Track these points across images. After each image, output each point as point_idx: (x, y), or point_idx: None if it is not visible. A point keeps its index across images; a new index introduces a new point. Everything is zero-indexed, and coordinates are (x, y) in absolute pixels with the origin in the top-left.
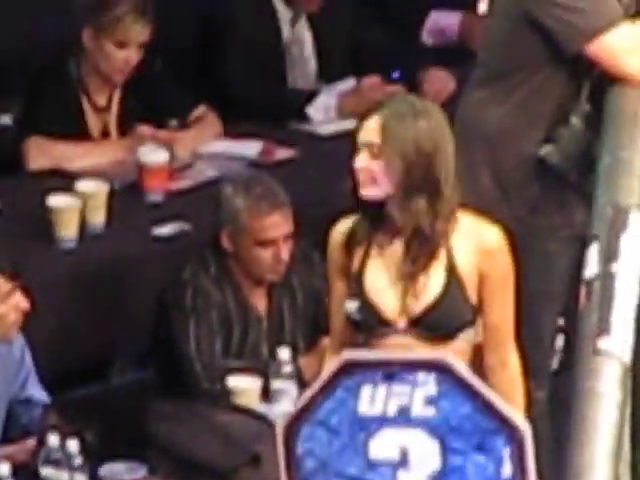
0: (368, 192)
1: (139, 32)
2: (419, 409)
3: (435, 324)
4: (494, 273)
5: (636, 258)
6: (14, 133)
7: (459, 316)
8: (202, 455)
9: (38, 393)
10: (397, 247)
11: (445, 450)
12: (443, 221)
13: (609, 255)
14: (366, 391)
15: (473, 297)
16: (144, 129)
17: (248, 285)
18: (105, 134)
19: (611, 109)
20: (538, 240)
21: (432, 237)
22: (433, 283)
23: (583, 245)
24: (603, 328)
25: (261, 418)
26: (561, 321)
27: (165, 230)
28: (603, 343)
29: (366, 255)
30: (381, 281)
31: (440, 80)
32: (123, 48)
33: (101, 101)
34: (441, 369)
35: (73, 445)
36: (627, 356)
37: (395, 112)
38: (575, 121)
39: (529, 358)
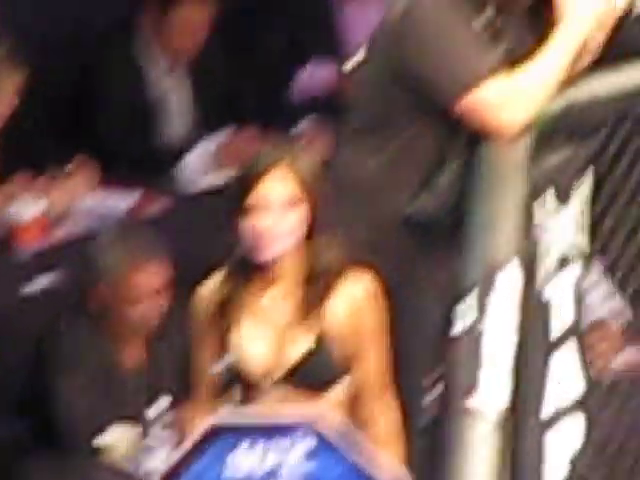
0: (273, 251)
1: (11, 81)
2: (291, 470)
3: (307, 378)
4: (364, 327)
5: (507, 314)
6: None
7: (330, 370)
8: None
9: None
10: (270, 301)
11: None
12: (340, 256)
13: (480, 309)
14: (230, 457)
15: (344, 349)
16: (17, 181)
17: (124, 337)
18: None
19: (484, 164)
20: (410, 293)
21: (333, 271)
22: (304, 339)
23: (455, 301)
24: (470, 388)
25: (128, 476)
26: (435, 373)
27: (37, 286)
28: (472, 403)
29: (236, 311)
30: (252, 337)
31: (319, 131)
32: None
33: None
34: (312, 432)
35: None
36: (493, 414)
37: (299, 159)
38: (447, 174)
39: (407, 410)
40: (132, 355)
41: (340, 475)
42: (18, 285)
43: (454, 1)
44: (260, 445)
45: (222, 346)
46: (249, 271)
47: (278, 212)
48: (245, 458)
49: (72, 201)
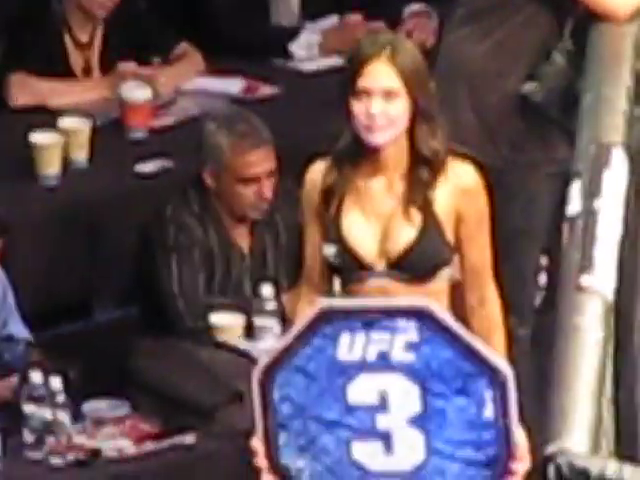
0: (385, 136)
1: None
2: (399, 355)
3: (413, 265)
4: (470, 213)
5: (618, 195)
6: None
7: (436, 256)
8: (184, 392)
9: (20, 330)
10: (376, 190)
11: (426, 394)
12: (443, 145)
13: (591, 192)
14: (344, 338)
15: (450, 236)
16: (127, 66)
17: (231, 222)
18: (87, 71)
19: (594, 47)
20: (520, 177)
21: (437, 160)
22: (410, 225)
23: (566, 182)
24: (585, 265)
25: (244, 355)
26: (544, 259)
27: (148, 167)
28: (585, 280)
29: (342, 199)
30: (359, 224)
31: (423, 18)
32: None
33: (83, 38)
34: (422, 316)
35: (56, 382)
36: (610, 293)
37: (398, 52)
38: (558, 58)
39: (512, 296)
40: (241, 239)
41: (448, 360)
42: (131, 164)
43: None
44: (370, 331)
45: (329, 232)
46: (356, 157)
47: (382, 101)
48: (357, 342)
49: (179, 87)
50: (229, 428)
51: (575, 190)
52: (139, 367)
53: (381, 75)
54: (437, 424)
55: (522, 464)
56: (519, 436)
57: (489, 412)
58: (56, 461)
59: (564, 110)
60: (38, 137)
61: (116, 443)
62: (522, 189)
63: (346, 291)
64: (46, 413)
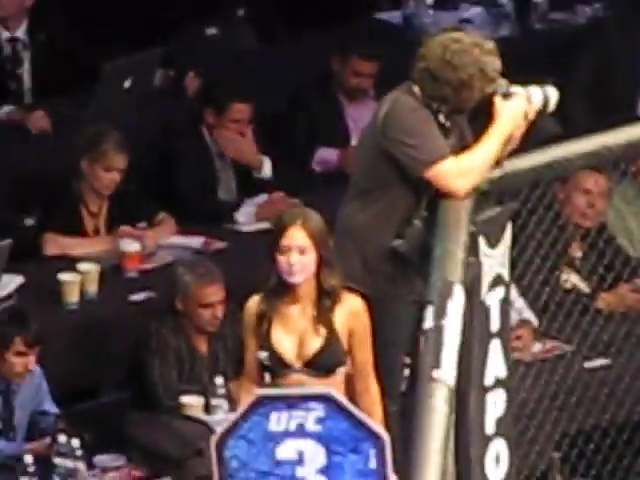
0: (298, 278)
1: (120, 161)
2: (311, 426)
3: (320, 364)
4: (359, 328)
5: (457, 317)
6: (35, 230)
7: (336, 358)
8: (163, 449)
9: (51, 407)
10: (294, 313)
11: (329, 453)
12: (339, 282)
13: (439, 314)
14: (274, 416)
15: (344, 345)
16: (124, 228)
17: (194, 334)
18: (97, 231)
19: (441, 215)
20: (391, 303)
21: (335, 293)
22: (318, 337)
23: (421, 307)
24: (436, 363)
25: (203, 424)
26: (407, 359)
27: (138, 297)
28: (436, 373)
29: (271, 320)
30: (282, 337)
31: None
32: (109, 172)
33: (94, 209)
34: (327, 399)
35: (76, 443)
36: (452, 382)
37: (308, 220)
38: (417, 223)
39: (386, 384)
40: (201, 346)
41: (345, 429)
42: (127, 294)
43: (419, 107)
44: (291, 410)
45: (262, 343)
46: (280, 292)
47: (297, 255)
48: (282, 418)
49: (160, 241)
50: (193, 474)
51: (428, 312)
52: (132, 432)
53: (296, 237)
54: (337, 473)
55: None
56: None
57: (373, 464)
58: None
59: (421, 258)
60: (63, 276)
61: None
62: (391, 310)
63: (274, 383)
64: (69, 464)
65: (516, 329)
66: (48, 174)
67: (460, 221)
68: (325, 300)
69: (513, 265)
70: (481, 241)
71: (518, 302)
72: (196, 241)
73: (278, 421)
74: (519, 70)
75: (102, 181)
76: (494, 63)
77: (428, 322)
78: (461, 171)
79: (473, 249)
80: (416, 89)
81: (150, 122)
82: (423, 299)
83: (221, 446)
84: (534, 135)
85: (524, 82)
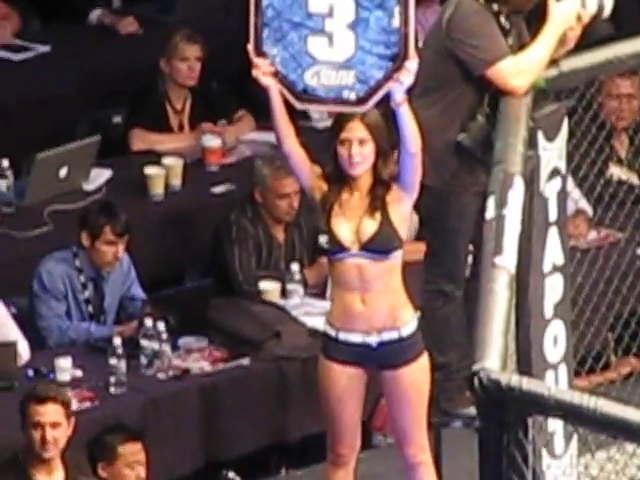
0: (359, 170)
1: (192, 50)
2: None
3: (376, 248)
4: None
5: (518, 206)
6: (123, 127)
7: (390, 243)
8: (243, 332)
9: (138, 293)
10: (351, 200)
11: (358, 7)
12: (392, 172)
13: (501, 204)
14: None
15: (400, 231)
16: (206, 125)
17: (272, 224)
18: (181, 127)
19: (502, 112)
20: (456, 194)
21: (389, 182)
22: (373, 222)
23: (484, 197)
24: (497, 250)
25: (281, 308)
26: (471, 247)
27: (219, 189)
28: (498, 260)
29: (331, 206)
30: (341, 222)
31: None
32: (184, 62)
33: (178, 106)
34: None
35: (161, 326)
36: (513, 268)
37: (366, 114)
38: (480, 118)
39: (451, 271)
40: (278, 234)
41: None
42: (209, 187)
43: (481, 9)
44: None
45: (322, 227)
46: (340, 181)
47: (357, 146)
48: None
49: (240, 137)
50: (271, 355)
51: (490, 202)
52: (214, 316)
53: (356, 129)
54: (363, 28)
55: (412, 63)
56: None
57: (396, 22)
58: (161, 376)
59: (485, 151)
60: (149, 170)
61: (199, 364)
62: (457, 201)
63: (332, 267)
64: (155, 346)
65: (573, 218)
66: (135, 74)
67: (520, 117)
68: (379, 189)
69: (569, 158)
70: (539, 135)
71: (574, 192)
72: (273, 136)
73: None
74: None
75: (181, 72)
76: None
77: (490, 211)
78: (518, 70)
79: (532, 143)
80: None
81: (232, 24)
82: (486, 190)
83: None
84: (588, 37)
85: None
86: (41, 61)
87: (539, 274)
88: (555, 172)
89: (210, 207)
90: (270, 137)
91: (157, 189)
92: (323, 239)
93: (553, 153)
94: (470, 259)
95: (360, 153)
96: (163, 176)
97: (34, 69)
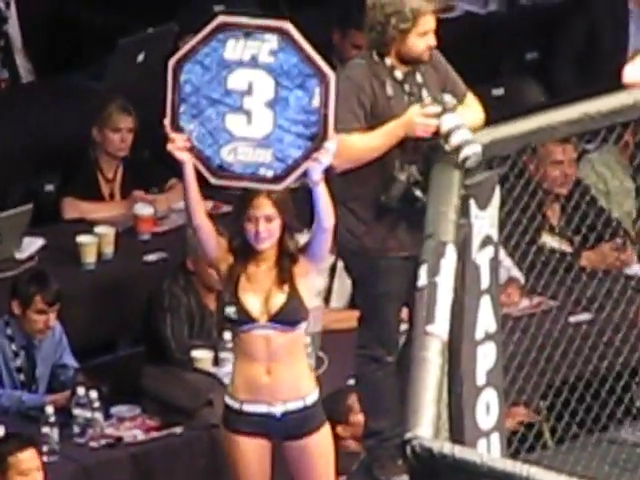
0: (266, 244)
1: (126, 121)
2: (264, 57)
3: (285, 318)
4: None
5: (450, 274)
6: (55, 195)
7: (299, 312)
8: (176, 400)
9: (70, 361)
10: (260, 271)
11: (277, 86)
12: (296, 245)
13: (433, 272)
14: (230, 43)
15: (306, 302)
16: (137, 194)
17: (204, 292)
18: (112, 196)
19: (434, 179)
20: (383, 259)
21: (294, 254)
22: (282, 294)
23: (416, 266)
24: (430, 319)
25: (213, 376)
26: (405, 314)
27: (151, 257)
28: (430, 328)
29: (238, 278)
30: (249, 293)
31: None
32: (117, 133)
33: (110, 175)
34: (282, 32)
35: (94, 394)
36: (445, 336)
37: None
38: (400, 177)
39: (380, 335)
40: (210, 303)
41: (295, 63)
42: (141, 255)
43: (363, 70)
44: (247, 39)
45: (230, 299)
46: (247, 254)
47: (264, 223)
48: (238, 47)
49: (171, 206)
50: (204, 423)
51: (423, 270)
52: (147, 384)
53: (263, 206)
54: (282, 107)
55: (332, 143)
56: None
57: (316, 102)
58: (94, 444)
59: (407, 211)
60: (81, 238)
61: (132, 432)
62: (384, 266)
63: (239, 338)
64: (87, 414)
65: (505, 286)
66: (67, 142)
67: (452, 184)
68: (286, 261)
69: (501, 226)
70: (472, 203)
71: (506, 261)
72: (206, 205)
73: (234, 49)
74: (506, 43)
75: (113, 143)
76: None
77: (422, 279)
78: (339, 151)
79: (464, 211)
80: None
81: (163, 92)
82: (418, 258)
83: (177, 69)
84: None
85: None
86: None
87: (471, 342)
88: (487, 240)
89: (142, 275)
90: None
91: (89, 257)
92: (230, 310)
93: (485, 221)
94: (403, 326)
95: (267, 229)
96: (95, 244)
97: None
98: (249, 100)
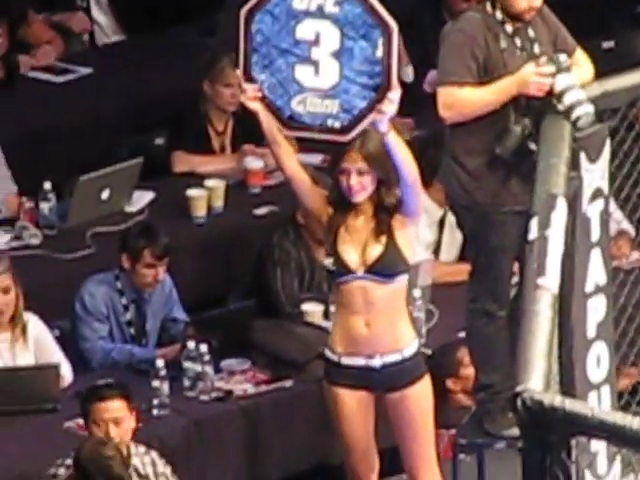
0: (358, 198)
1: (237, 76)
2: (330, 8)
3: (382, 270)
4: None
5: (561, 228)
6: (165, 149)
7: (396, 266)
8: (286, 353)
9: (181, 315)
10: (358, 223)
11: (343, 37)
12: (395, 199)
13: (544, 225)
14: None
15: (406, 254)
16: (247, 147)
17: (314, 246)
18: (222, 149)
19: (545, 132)
20: (497, 214)
21: (392, 208)
22: (379, 245)
23: (527, 218)
24: (540, 271)
25: (323, 329)
26: (516, 266)
27: (261, 211)
28: (540, 281)
29: (337, 229)
30: (346, 245)
31: None
32: (229, 88)
33: (220, 128)
34: None
35: (204, 348)
36: (555, 289)
37: (367, 143)
38: (515, 129)
39: (495, 291)
40: (320, 256)
41: (359, 14)
42: (251, 209)
43: (477, 23)
44: None
45: (329, 250)
46: (344, 205)
47: (356, 176)
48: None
49: None
50: (314, 376)
51: (533, 223)
52: (257, 338)
53: (355, 159)
54: (347, 58)
55: (395, 94)
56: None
57: (379, 53)
58: (204, 398)
59: (520, 163)
60: (192, 192)
61: (242, 386)
62: (498, 221)
63: (337, 289)
64: (197, 368)
65: (615, 239)
66: (177, 96)
67: (562, 137)
68: (383, 214)
69: (612, 179)
70: (582, 156)
71: (617, 213)
72: (315, 158)
73: (301, 1)
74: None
75: (224, 97)
76: None
77: (533, 232)
78: (450, 103)
79: (575, 164)
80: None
81: None
82: (528, 210)
83: (249, 18)
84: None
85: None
86: (83, 83)
87: (582, 295)
88: (597, 193)
89: (252, 229)
90: (313, 159)
91: (199, 211)
92: (329, 261)
93: (595, 174)
94: (515, 279)
95: (359, 182)
96: (205, 198)
97: (76, 92)
98: (316, 50)
